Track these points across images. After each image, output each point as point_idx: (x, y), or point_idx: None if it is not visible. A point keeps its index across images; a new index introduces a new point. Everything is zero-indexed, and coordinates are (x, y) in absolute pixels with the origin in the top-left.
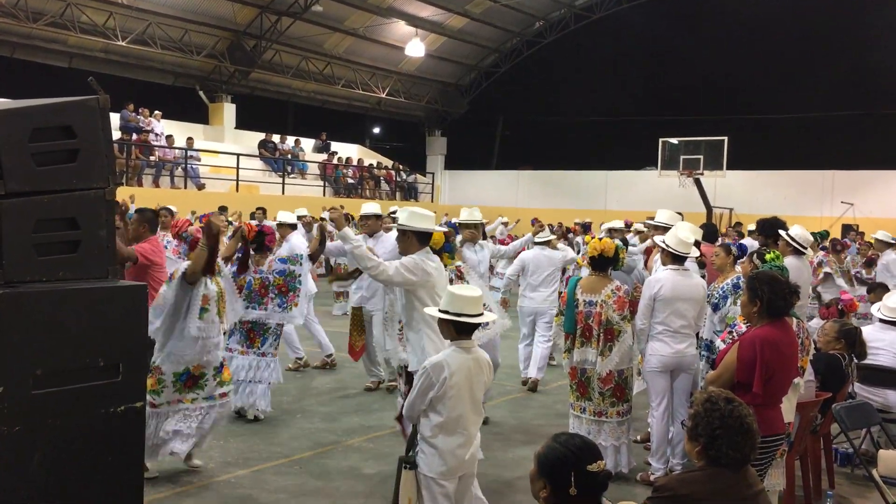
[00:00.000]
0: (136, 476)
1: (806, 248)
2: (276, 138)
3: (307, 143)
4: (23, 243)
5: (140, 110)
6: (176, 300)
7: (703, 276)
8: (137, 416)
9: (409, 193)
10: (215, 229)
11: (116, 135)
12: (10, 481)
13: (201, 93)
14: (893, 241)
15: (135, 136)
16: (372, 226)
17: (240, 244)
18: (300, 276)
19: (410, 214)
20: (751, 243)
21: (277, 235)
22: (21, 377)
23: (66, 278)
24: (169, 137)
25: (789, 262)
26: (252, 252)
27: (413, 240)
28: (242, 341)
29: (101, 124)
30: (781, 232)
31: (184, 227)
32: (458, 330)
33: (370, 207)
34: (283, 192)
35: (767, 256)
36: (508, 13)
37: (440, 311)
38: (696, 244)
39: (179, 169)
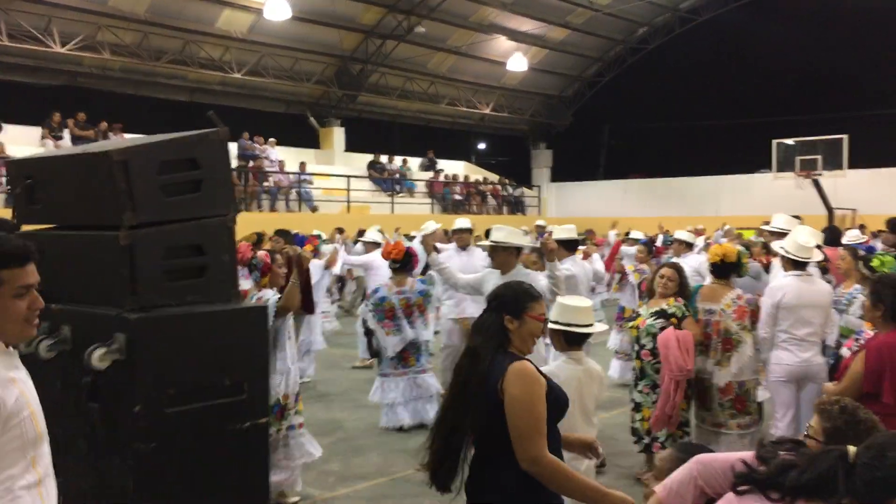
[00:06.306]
0: (262, 489)
1: None
2: (383, 159)
3: (414, 162)
4: (154, 270)
5: (255, 138)
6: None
7: (829, 282)
8: (262, 432)
9: (516, 208)
10: (305, 264)
11: (234, 163)
12: (145, 496)
13: (312, 118)
14: None
15: (251, 163)
16: (465, 238)
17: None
18: (432, 295)
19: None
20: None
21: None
22: (156, 396)
23: (194, 302)
24: (281, 163)
25: None
26: (393, 272)
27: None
28: (397, 364)
29: (221, 155)
30: None
31: (246, 253)
32: (567, 340)
33: (462, 222)
34: (392, 211)
35: (874, 262)
36: (610, 21)
37: (551, 321)
38: (819, 248)
39: (294, 193)
